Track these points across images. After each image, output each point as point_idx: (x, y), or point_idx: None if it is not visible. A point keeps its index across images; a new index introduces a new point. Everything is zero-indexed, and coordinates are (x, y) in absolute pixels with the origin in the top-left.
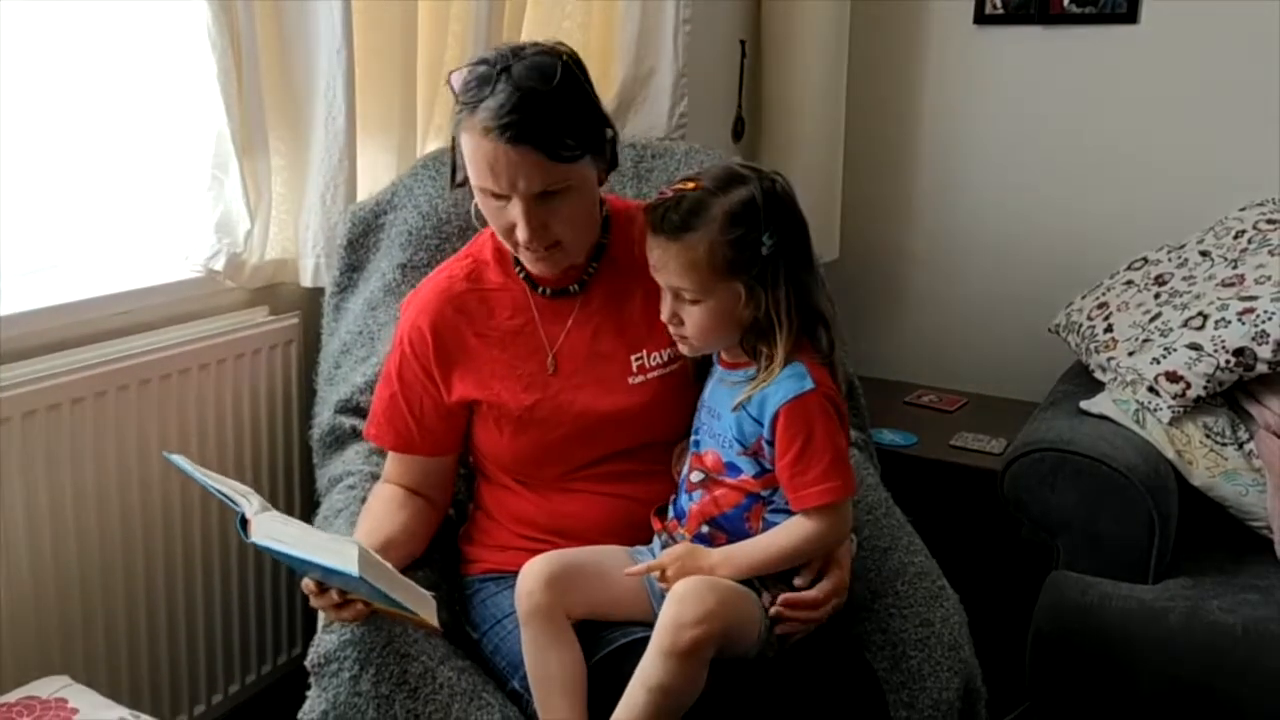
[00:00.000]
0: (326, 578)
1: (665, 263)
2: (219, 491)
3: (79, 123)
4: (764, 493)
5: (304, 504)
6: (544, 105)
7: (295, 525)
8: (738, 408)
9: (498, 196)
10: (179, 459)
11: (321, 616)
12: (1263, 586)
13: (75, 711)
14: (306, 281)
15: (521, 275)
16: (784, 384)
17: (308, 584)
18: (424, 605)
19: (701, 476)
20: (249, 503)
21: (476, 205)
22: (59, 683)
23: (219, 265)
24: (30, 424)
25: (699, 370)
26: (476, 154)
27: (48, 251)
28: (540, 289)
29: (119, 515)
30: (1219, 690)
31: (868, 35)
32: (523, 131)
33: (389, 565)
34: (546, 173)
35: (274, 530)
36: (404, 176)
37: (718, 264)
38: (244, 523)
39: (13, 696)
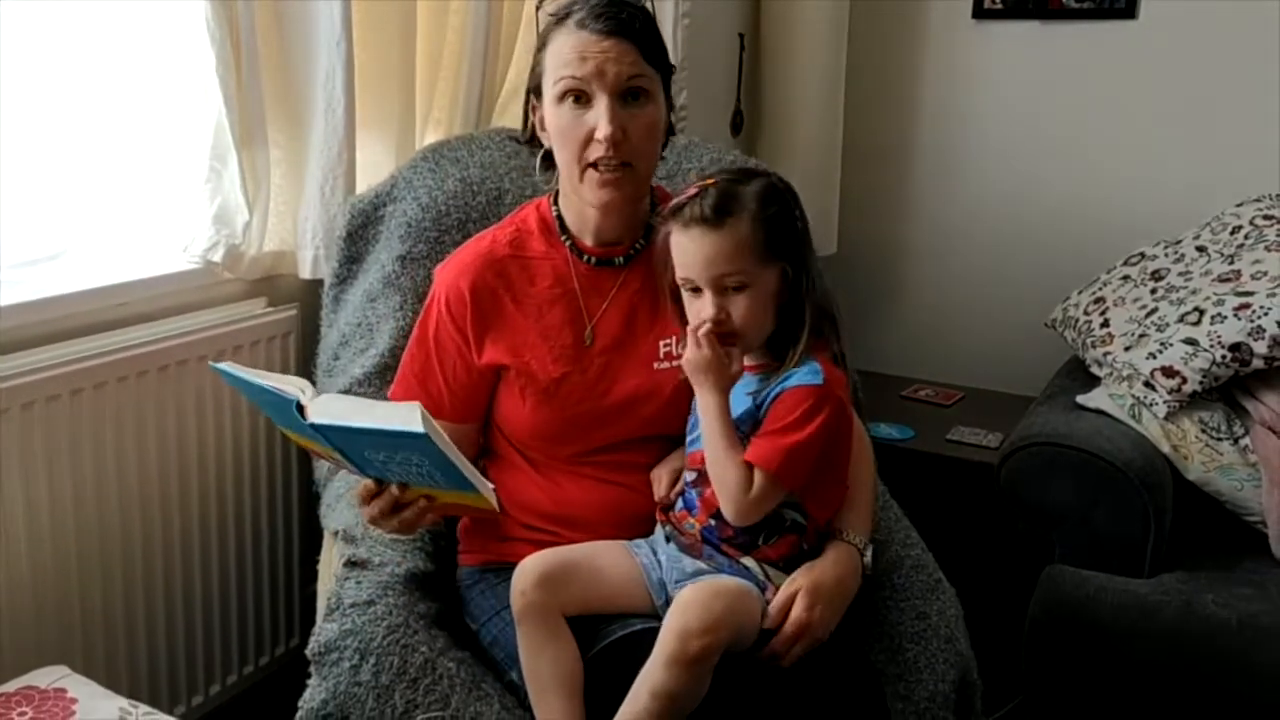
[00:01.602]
0: (386, 464)
1: (711, 253)
2: (271, 390)
3: (78, 115)
4: None
5: (302, 495)
6: (637, 10)
7: (352, 400)
8: (757, 395)
9: (579, 102)
10: (224, 365)
11: (321, 606)
12: (1257, 581)
13: (74, 701)
14: (305, 273)
15: (566, 243)
16: (796, 375)
17: (367, 485)
18: (484, 485)
19: (695, 475)
20: (303, 393)
21: (541, 158)
22: (58, 673)
23: (217, 257)
24: (29, 415)
25: None
26: (564, 48)
27: (46, 243)
28: (585, 257)
29: (117, 506)
30: (1213, 684)
31: (867, 29)
32: (619, 24)
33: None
34: (635, 65)
35: (330, 409)
36: (403, 168)
37: (760, 243)
38: (300, 409)
39: (11, 686)
